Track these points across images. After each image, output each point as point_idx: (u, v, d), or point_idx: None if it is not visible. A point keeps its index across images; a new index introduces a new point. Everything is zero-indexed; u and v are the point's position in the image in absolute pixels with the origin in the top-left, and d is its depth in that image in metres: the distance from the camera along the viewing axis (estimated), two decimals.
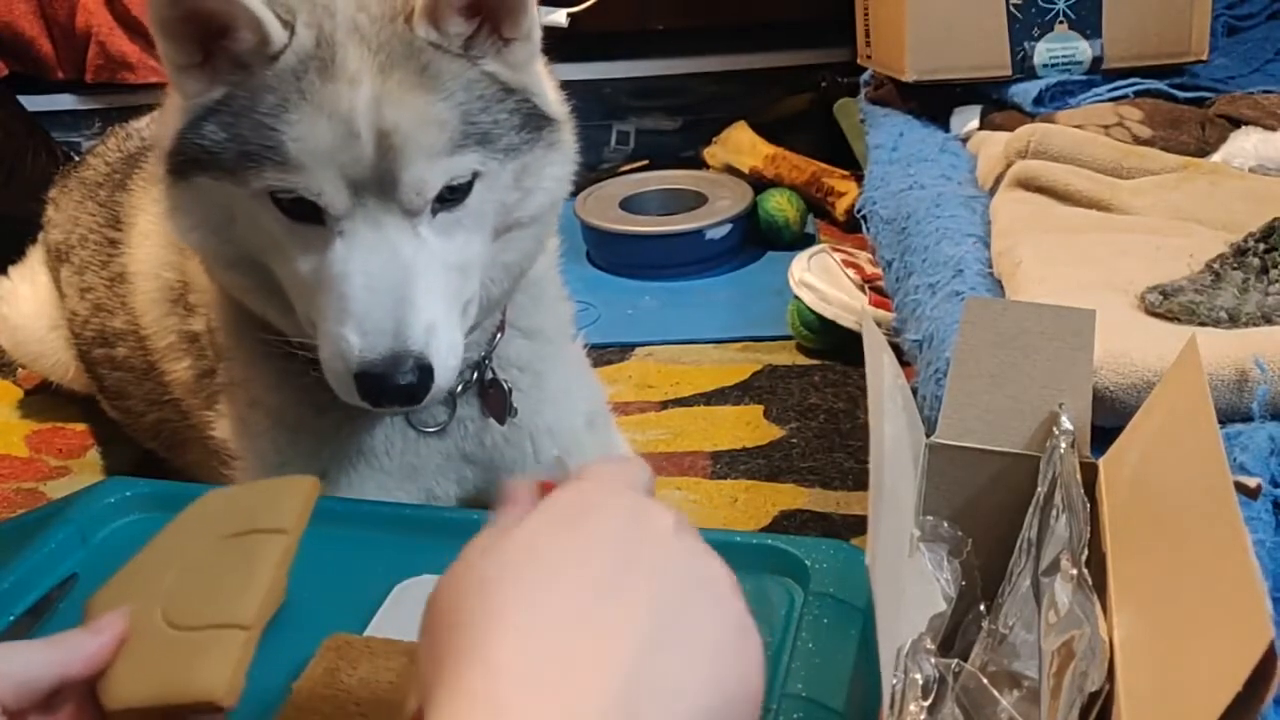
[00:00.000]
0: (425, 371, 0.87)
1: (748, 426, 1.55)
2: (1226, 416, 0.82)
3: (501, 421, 1.08)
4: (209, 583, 0.62)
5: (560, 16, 2.25)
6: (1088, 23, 1.57)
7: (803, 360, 1.71)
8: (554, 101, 0.98)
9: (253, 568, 0.61)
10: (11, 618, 0.81)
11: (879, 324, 0.87)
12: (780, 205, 2.05)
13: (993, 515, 0.75)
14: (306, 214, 0.88)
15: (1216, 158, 1.30)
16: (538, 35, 0.94)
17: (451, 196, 0.89)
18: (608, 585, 0.45)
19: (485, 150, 0.89)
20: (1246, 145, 1.30)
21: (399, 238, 0.88)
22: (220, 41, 0.87)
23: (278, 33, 0.86)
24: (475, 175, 0.90)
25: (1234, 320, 0.92)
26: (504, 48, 0.91)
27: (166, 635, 0.60)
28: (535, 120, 0.93)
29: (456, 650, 0.43)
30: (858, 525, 1.31)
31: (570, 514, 0.49)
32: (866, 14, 1.79)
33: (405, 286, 0.87)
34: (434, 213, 0.89)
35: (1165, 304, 0.94)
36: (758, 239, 2.08)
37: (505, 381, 1.08)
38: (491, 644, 0.43)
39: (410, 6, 0.87)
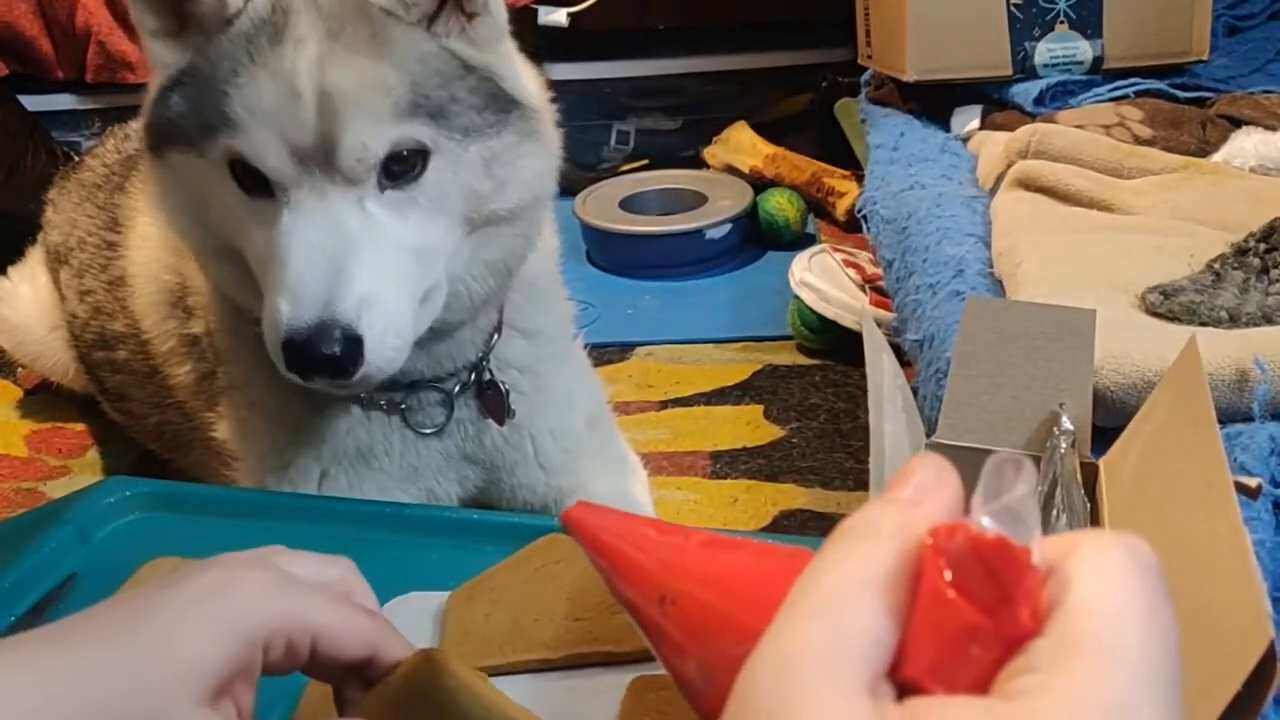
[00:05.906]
0: (353, 343, 0.84)
1: (748, 426, 1.55)
2: (1227, 416, 0.82)
3: (500, 423, 1.08)
4: None
5: (560, 16, 2.25)
6: (1088, 22, 1.57)
7: (803, 360, 1.71)
8: (528, 88, 0.96)
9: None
10: (12, 618, 0.81)
11: (879, 324, 0.87)
12: (780, 205, 2.05)
13: None
14: (260, 186, 0.88)
15: (1217, 158, 1.30)
16: (502, 13, 0.93)
17: (400, 171, 0.88)
18: None
19: (437, 126, 0.88)
20: (1247, 145, 1.30)
21: (343, 210, 0.87)
22: (185, 6, 0.87)
23: None
24: (427, 151, 0.88)
25: (1234, 320, 0.92)
26: (467, 24, 0.91)
27: None
28: (500, 102, 0.92)
29: None
30: None
31: None
32: (867, 14, 1.79)
33: (342, 258, 0.85)
34: (383, 188, 0.88)
35: (1166, 304, 0.94)
36: (758, 239, 2.08)
37: (503, 383, 1.08)
38: None
39: None
